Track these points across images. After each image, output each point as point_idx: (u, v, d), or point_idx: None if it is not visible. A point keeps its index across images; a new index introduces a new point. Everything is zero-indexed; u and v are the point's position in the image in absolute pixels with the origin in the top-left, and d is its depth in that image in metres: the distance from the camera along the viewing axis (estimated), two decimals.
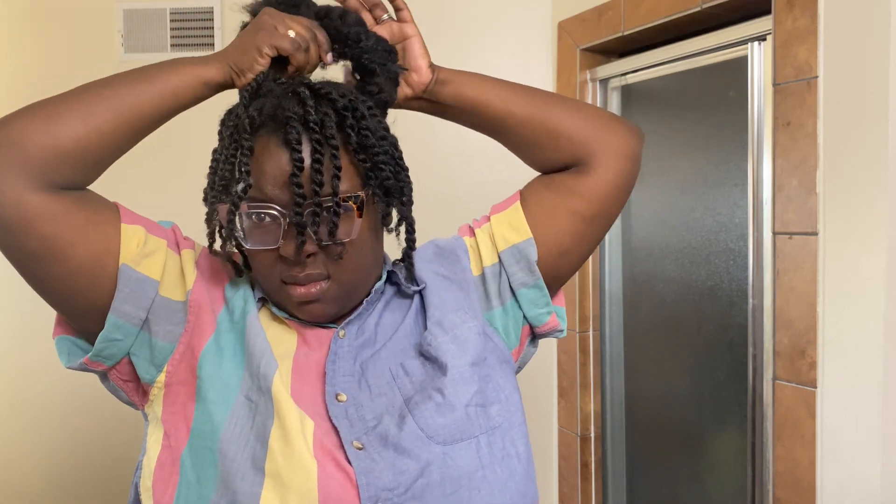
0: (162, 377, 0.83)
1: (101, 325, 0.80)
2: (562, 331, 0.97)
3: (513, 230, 0.92)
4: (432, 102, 0.93)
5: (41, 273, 0.77)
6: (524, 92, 0.94)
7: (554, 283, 0.94)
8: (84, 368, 0.83)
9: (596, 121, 0.92)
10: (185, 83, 0.80)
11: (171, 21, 2.04)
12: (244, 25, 0.88)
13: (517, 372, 0.97)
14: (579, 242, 0.93)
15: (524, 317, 0.93)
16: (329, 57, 0.87)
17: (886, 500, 1.21)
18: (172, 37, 2.04)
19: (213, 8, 2.03)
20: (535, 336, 0.97)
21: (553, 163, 0.94)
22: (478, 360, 0.86)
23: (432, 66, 0.91)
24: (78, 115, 0.75)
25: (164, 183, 1.91)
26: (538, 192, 0.94)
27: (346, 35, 0.87)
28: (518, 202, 0.94)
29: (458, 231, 0.98)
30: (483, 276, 0.92)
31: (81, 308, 0.80)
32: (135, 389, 0.86)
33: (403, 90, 0.91)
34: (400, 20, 0.92)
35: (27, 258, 0.75)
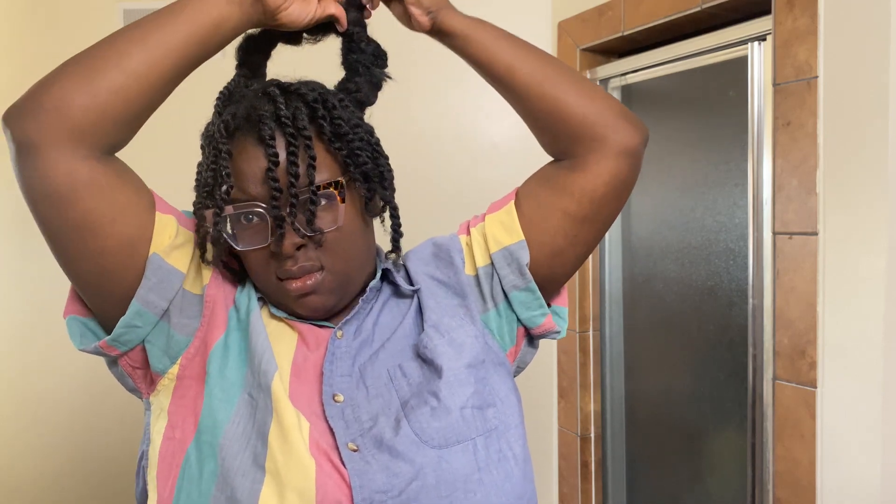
0: (175, 369, 0.84)
1: (121, 308, 0.80)
2: (559, 332, 0.95)
3: (505, 231, 0.90)
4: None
5: (76, 247, 0.77)
6: (536, 61, 0.89)
7: (550, 284, 0.93)
8: (98, 352, 0.84)
9: (600, 111, 0.87)
10: (208, 5, 0.78)
11: None
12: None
13: (517, 373, 0.96)
14: (572, 243, 0.91)
15: (518, 319, 0.92)
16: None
17: (886, 500, 1.21)
18: None
19: None
20: (531, 337, 0.96)
21: (551, 145, 0.91)
22: (474, 362, 0.85)
23: (431, 14, 0.88)
24: (113, 64, 0.73)
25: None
26: (533, 191, 0.92)
27: (345, 31, 0.89)
28: (512, 202, 0.92)
29: (458, 228, 0.98)
30: (477, 277, 0.92)
31: (106, 289, 0.80)
32: (143, 377, 0.87)
33: (407, 24, 0.90)
34: None
35: (66, 231, 0.75)
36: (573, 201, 0.88)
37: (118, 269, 0.78)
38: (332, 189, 0.81)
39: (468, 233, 0.95)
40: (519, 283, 0.90)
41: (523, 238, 0.90)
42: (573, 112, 0.87)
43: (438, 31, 0.89)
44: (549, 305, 0.95)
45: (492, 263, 0.91)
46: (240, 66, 0.92)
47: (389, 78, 0.92)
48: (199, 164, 0.84)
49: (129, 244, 0.78)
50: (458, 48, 0.89)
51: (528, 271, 0.89)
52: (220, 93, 0.85)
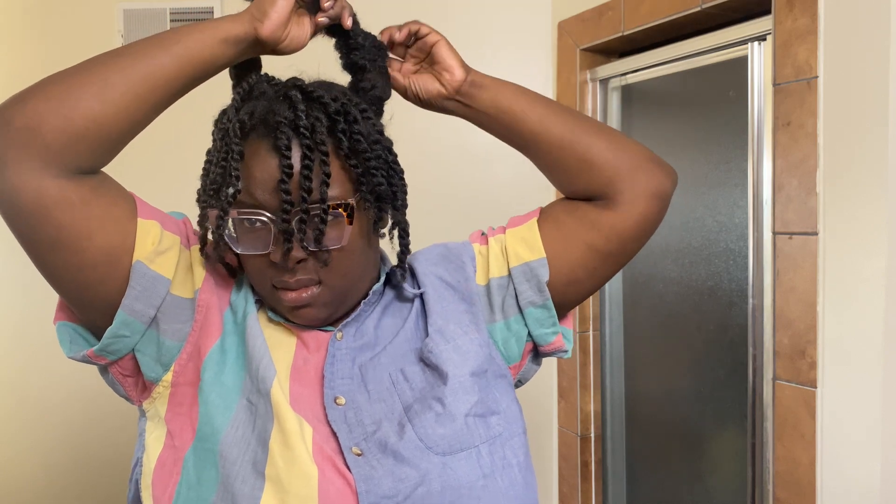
0: (169, 376, 0.83)
1: (108, 318, 0.79)
2: (566, 351, 0.95)
3: (526, 247, 0.90)
4: (466, 106, 0.91)
5: (55, 263, 0.75)
6: (563, 112, 0.91)
7: (560, 307, 0.93)
8: (86, 360, 0.82)
9: (631, 157, 0.89)
10: (200, 44, 0.75)
11: (172, 21, 2.04)
12: None
13: (517, 387, 0.95)
14: (591, 276, 0.91)
15: (529, 334, 0.92)
16: (349, 21, 0.85)
17: (886, 500, 1.21)
18: None
19: (213, 8, 2.03)
20: (538, 354, 0.95)
21: (580, 192, 0.91)
22: (478, 371, 0.85)
23: (466, 67, 0.89)
24: (93, 91, 0.71)
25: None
26: (558, 217, 0.92)
27: (338, 31, 0.87)
28: (535, 219, 0.92)
29: (470, 236, 0.97)
30: (488, 287, 0.91)
31: (91, 300, 0.79)
32: (134, 385, 0.86)
33: (438, 89, 0.90)
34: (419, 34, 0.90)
35: (42, 246, 0.74)
36: (601, 237, 0.89)
37: (101, 281, 0.77)
38: (340, 210, 0.79)
39: (484, 242, 0.94)
40: (536, 300, 0.90)
41: (545, 256, 0.89)
42: (606, 159, 0.88)
43: (472, 84, 0.89)
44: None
45: (510, 276, 0.90)
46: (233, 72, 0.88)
47: (399, 60, 0.91)
48: (209, 153, 0.82)
49: (109, 256, 0.76)
50: (490, 101, 0.89)
51: (546, 288, 0.89)
52: (241, 86, 0.82)
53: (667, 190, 0.90)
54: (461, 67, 0.89)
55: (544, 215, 0.93)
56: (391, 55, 0.92)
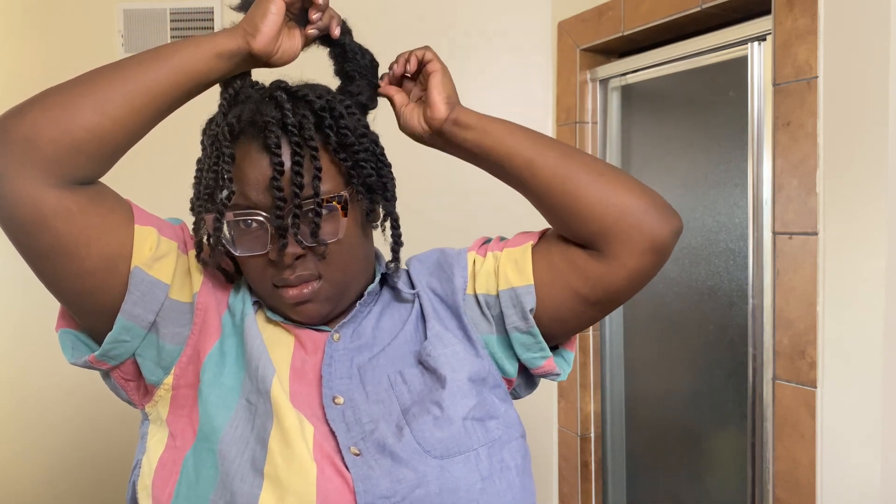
0: (169, 379, 0.83)
1: (109, 324, 0.80)
2: (559, 374, 0.92)
3: (516, 271, 0.88)
4: (448, 143, 0.88)
5: (54, 271, 0.76)
6: (554, 156, 0.85)
7: (550, 339, 0.91)
8: (88, 366, 0.83)
9: (626, 208, 0.82)
10: (195, 58, 0.77)
11: (171, 21, 2.04)
12: None
13: (515, 398, 0.94)
14: (576, 318, 0.89)
15: (517, 356, 0.91)
16: (337, 31, 0.86)
17: (886, 500, 1.21)
18: (172, 37, 2.04)
19: (213, 8, 2.03)
20: (529, 375, 0.94)
21: (570, 238, 0.87)
22: (475, 377, 0.85)
23: (451, 105, 0.87)
24: (91, 103, 0.72)
25: (170, 179, 1.91)
26: (551, 252, 0.88)
27: (332, 41, 0.89)
28: (532, 244, 0.89)
29: (473, 242, 0.96)
30: (476, 298, 0.90)
31: (91, 307, 0.80)
32: (136, 389, 0.86)
33: (418, 126, 0.88)
34: (424, 59, 0.89)
35: (41, 256, 0.75)
36: (587, 286, 0.86)
37: (100, 288, 0.78)
38: (335, 203, 0.80)
39: (482, 253, 0.93)
40: (521, 326, 0.88)
41: (532, 283, 0.87)
42: (596, 211, 0.83)
43: (455, 123, 0.86)
44: (556, 348, 0.93)
45: (497, 298, 0.89)
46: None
47: (386, 73, 0.91)
48: (199, 161, 0.83)
49: (108, 263, 0.77)
50: (474, 142, 0.86)
51: (530, 316, 0.87)
52: (226, 92, 0.83)
53: (664, 242, 0.83)
54: (445, 104, 0.86)
55: (541, 243, 0.90)
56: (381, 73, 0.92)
